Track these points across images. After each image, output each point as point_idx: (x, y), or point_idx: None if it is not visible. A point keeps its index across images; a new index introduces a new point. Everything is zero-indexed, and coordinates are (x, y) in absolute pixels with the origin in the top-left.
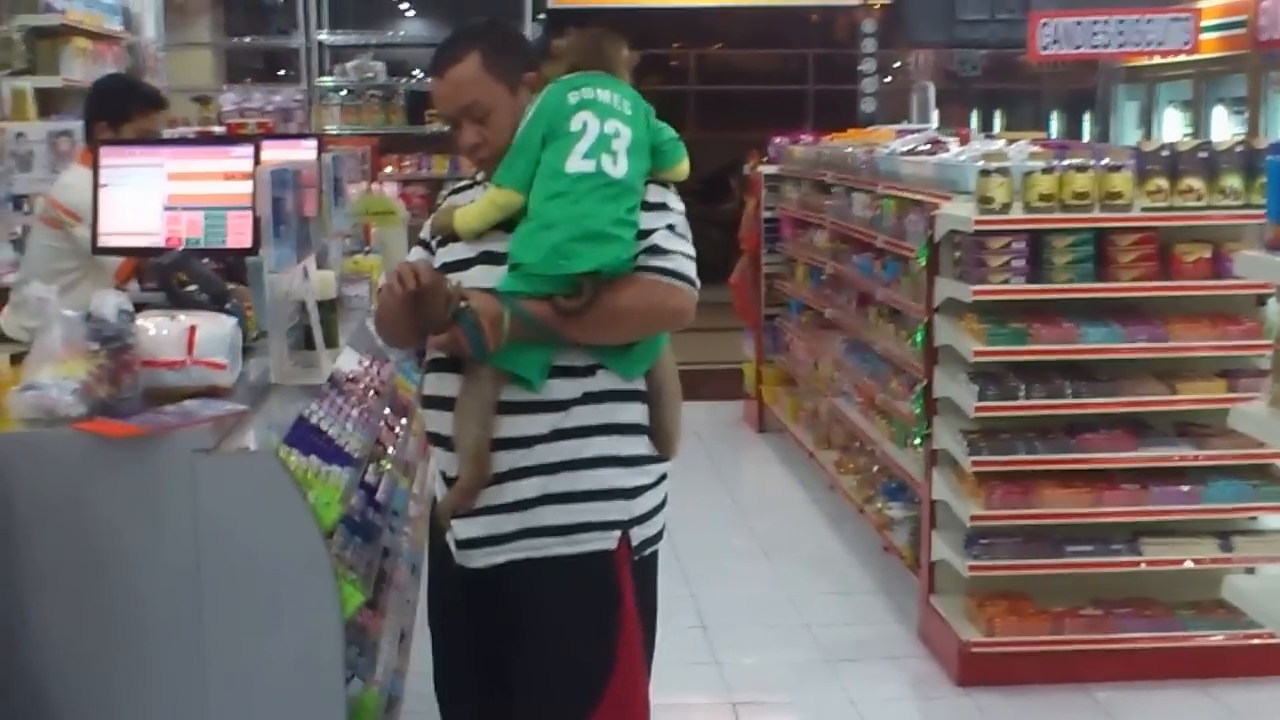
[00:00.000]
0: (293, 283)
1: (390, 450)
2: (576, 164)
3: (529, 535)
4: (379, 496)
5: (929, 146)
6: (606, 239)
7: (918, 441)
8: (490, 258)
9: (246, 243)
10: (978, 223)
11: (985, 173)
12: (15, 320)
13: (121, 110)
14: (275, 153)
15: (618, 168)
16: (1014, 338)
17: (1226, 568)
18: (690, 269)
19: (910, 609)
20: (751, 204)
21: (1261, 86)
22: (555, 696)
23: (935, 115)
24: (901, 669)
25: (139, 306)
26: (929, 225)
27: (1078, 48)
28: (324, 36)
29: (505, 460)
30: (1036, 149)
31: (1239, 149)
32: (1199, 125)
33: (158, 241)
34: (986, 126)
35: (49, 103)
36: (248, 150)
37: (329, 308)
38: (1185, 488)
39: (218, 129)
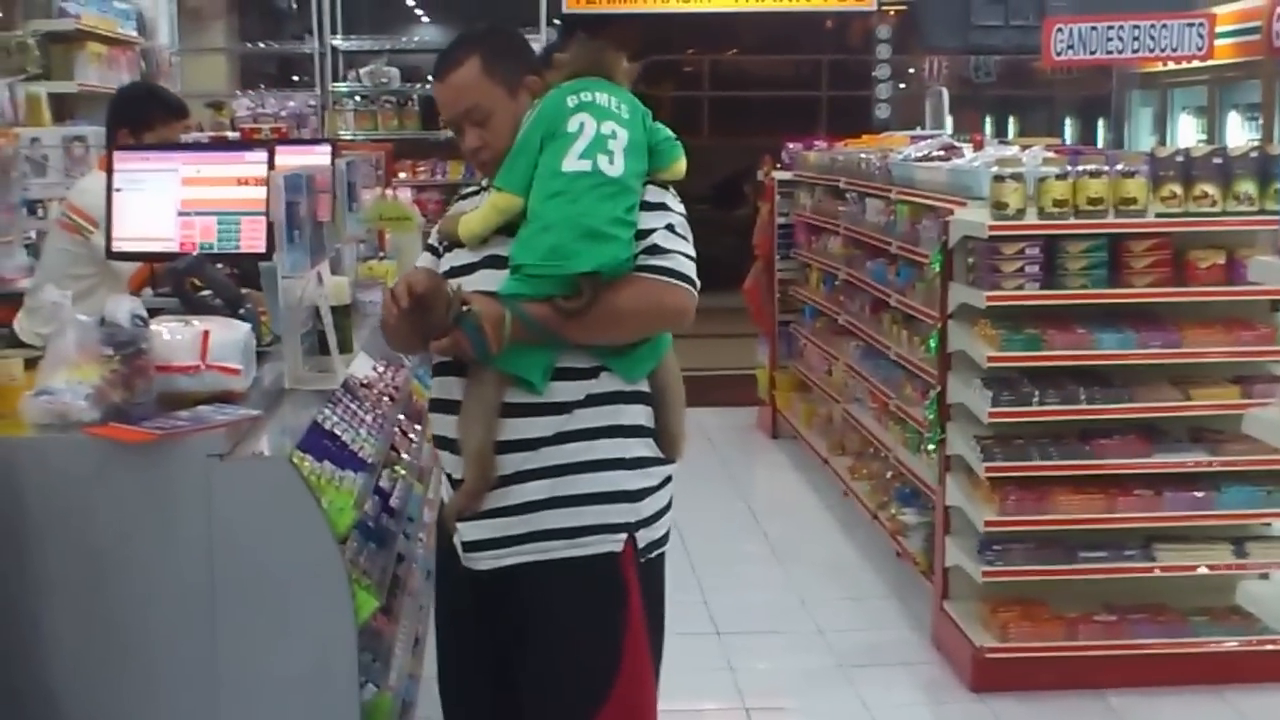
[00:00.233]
0: (307, 288)
1: (404, 456)
2: (573, 163)
3: (535, 538)
4: (393, 502)
5: (943, 152)
6: (604, 238)
7: (931, 447)
8: (494, 261)
9: (260, 248)
10: (992, 228)
11: (999, 178)
12: (29, 325)
13: (143, 118)
14: (289, 158)
15: (614, 167)
16: (1028, 343)
17: (1240, 573)
18: (690, 269)
19: (924, 615)
20: (765, 210)
21: (1276, 92)
22: (561, 698)
23: (949, 121)
24: (915, 675)
25: (153, 311)
26: (943, 231)
27: (1092, 53)
28: (338, 42)
29: (510, 463)
30: (1051, 155)
31: (1253, 155)
32: (1213, 131)
33: (172, 247)
34: (1001, 132)
35: (63, 108)
36: (261, 155)
37: (343, 313)
38: (1199, 493)
39: (232, 134)
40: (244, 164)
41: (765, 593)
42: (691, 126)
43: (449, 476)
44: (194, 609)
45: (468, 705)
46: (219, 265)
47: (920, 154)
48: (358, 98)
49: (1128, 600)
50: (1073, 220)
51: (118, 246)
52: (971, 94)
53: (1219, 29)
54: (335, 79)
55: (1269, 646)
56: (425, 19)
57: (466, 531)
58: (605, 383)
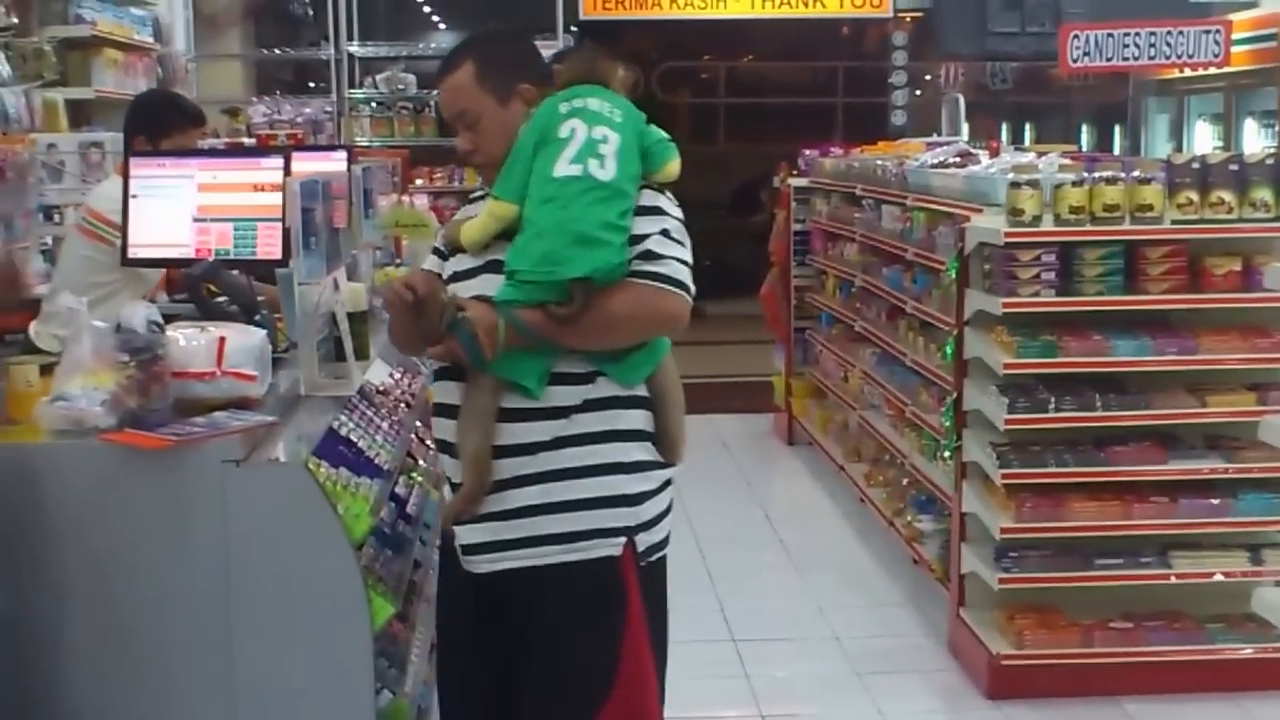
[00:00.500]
0: (323, 294)
1: (421, 462)
2: (564, 169)
3: (532, 543)
4: (410, 508)
5: (959, 159)
6: (596, 243)
7: (948, 454)
8: (495, 267)
9: (276, 254)
10: (1008, 235)
11: (1015, 185)
12: (46, 330)
13: (162, 126)
14: (305, 164)
15: (605, 171)
16: (1044, 350)
17: (1256, 581)
18: (684, 274)
19: (940, 622)
20: (781, 216)
21: None
22: (560, 700)
23: (965, 128)
24: (931, 682)
25: (169, 318)
26: (959, 238)
27: (1109, 60)
28: (354, 48)
29: (508, 467)
30: (1067, 161)
31: (1269, 161)
32: (1229, 138)
33: (187, 253)
34: (1017, 139)
35: (80, 114)
36: (278, 162)
37: (359, 319)
38: (1215, 500)
39: (248, 140)
40: (260, 170)
41: (781, 599)
42: (708, 133)
43: (449, 480)
44: (210, 615)
45: (467, 705)
46: (235, 271)
47: (936, 161)
48: (374, 104)
49: (1144, 607)
50: (1089, 227)
51: (134, 252)
52: (988, 100)
53: (1235, 36)
54: (351, 85)
55: None
56: (442, 25)
57: (464, 535)
58: (602, 388)
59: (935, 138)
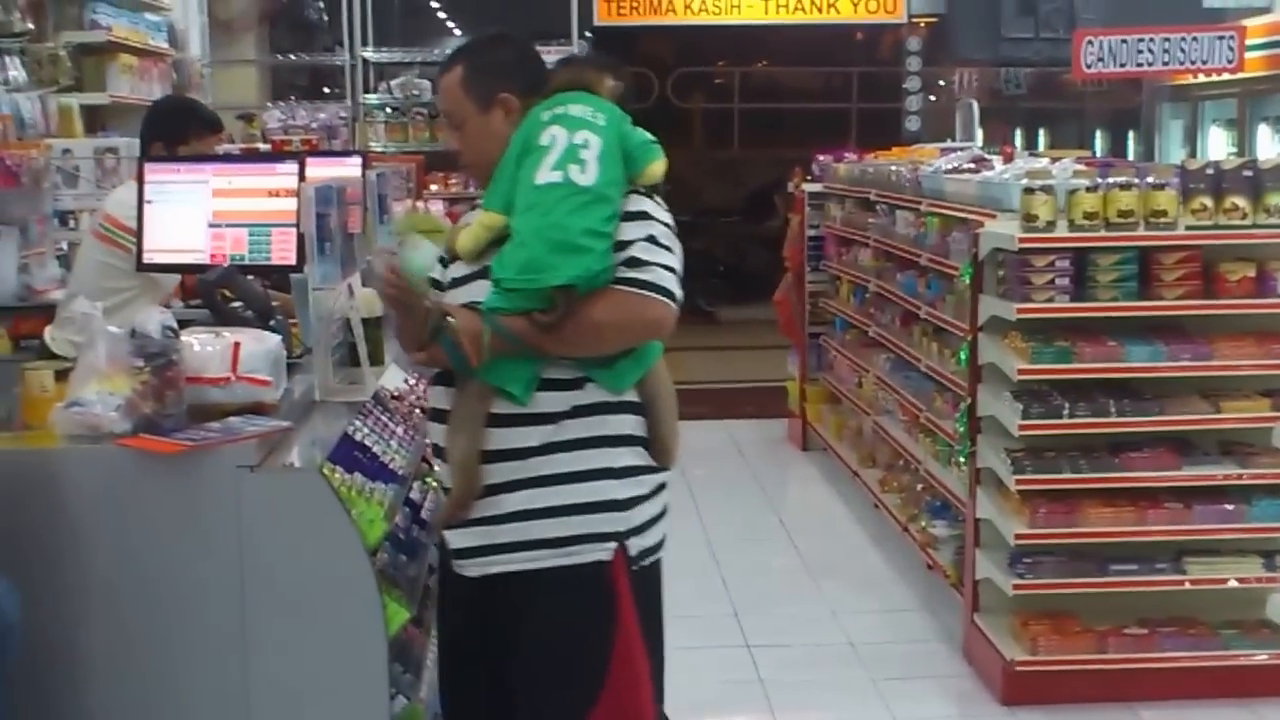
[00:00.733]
0: (338, 300)
1: (436, 468)
2: (545, 176)
3: (522, 547)
4: (424, 514)
5: (973, 164)
6: (578, 250)
7: (962, 460)
8: (488, 273)
9: (291, 259)
10: (1022, 241)
11: (1029, 191)
12: (61, 335)
13: (179, 132)
14: (320, 170)
15: (586, 176)
16: (1058, 356)
17: (1271, 587)
18: (669, 280)
19: (954, 627)
20: (796, 222)
21: None
22: (551, 701)
23: (979, 133)
24: (946, 688)
25: (183, 323)
26: (973, 243)
27: (1123, 66)
28: (369, 54)
29: (498, 472)
30: (1081, 167)
31: None
32: (1243, 144)
33: (202, 258)
34: (1031, 145)
35: (95, 119)
36: (292, 167)
37: (374, 325)
38: (1229, 507)
39: (262, 146)
40: (275, 176)
41: (795, 605)
42: (722, 138)
43: (440, 484)
44: (224, 620)
45: (465, 704)
46: (250, 276)
47: (950, 166)
48: (388, 110)
49: (1158, 613)
50: (1103, 233)
51: (149, 258)
52: (1002, 106)
53: (1249, 42)
54: (366, 91)
55: None
56: (457, 30)
57: (454, 539)
58: (591, 393)
59: (949, 143)
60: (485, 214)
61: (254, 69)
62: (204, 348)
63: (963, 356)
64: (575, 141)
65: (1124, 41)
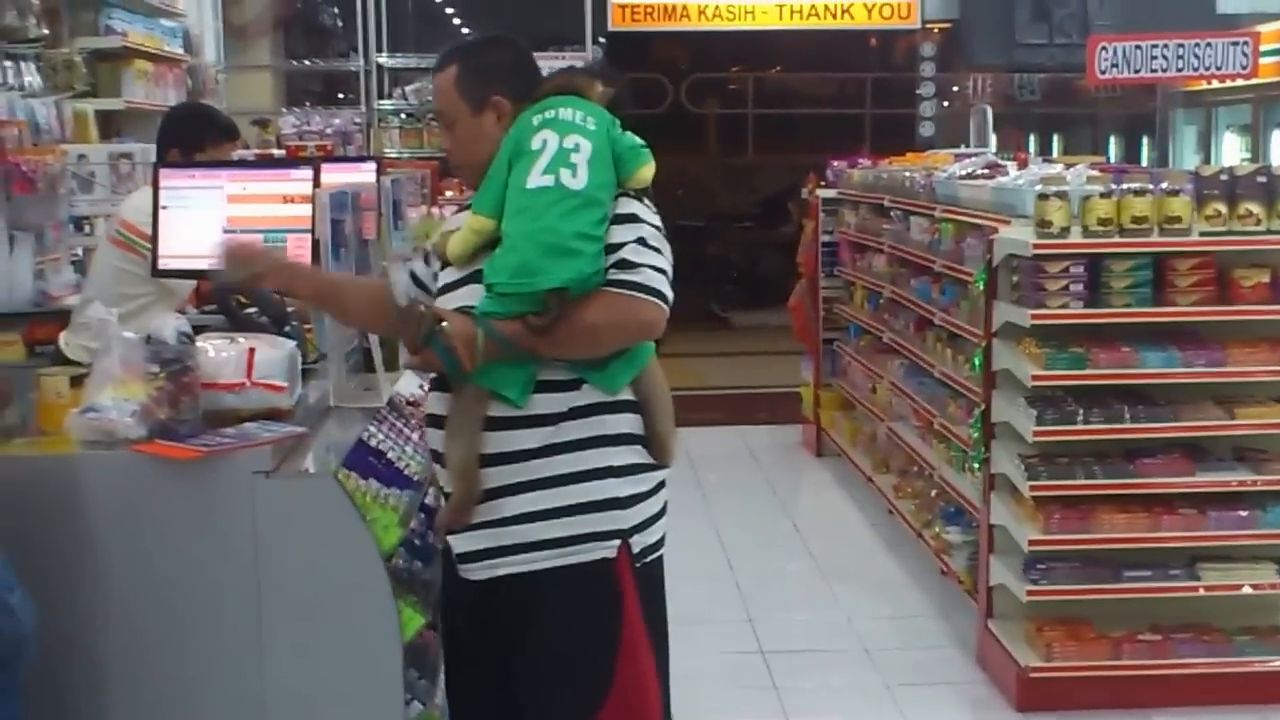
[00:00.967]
0: None
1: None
2: (536, 180)
3: (526, 549)
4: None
5: (987, 170)
6: (569, 253)
7: (976, 466)
8: (480, 278)
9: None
10: (1036, 247)
11: (1043, 197)
12: (76, 341)
13: (196, 139)
14: (334, 175)
15: (577, 180)
16: (1072, 362)
17: None
18: (659, 282)
19: (968, 634)
20: (809, 227)
21: None
22: (558, 701)
23: (993, 139)
24: (960, 694)
25: (198, 329)
26: (987, 249)
27: (1136, 72)
28: (383, 59)
29: (499, 475)
30: (1095, 173)
31: None
32: (1258, 149)
33: (217, 264)
34: (1044, 150)
35: (110, 125)
36: (307, 173)
37: None
38: (1243, 513)
39: (277, 152)
40: (289, 181)
41: (810, 611)
42: (736, 144)
43: (441, 489)
44: (239, 625)
45: (471, 706)
46: None
47: (964, 172)
48: (403, 115)
49: (1172, 620)
50: (1117, 239)
51: (164, 264)
52: (1016, 112)
53: (1263, 48)
54: (380, 96)
55: None
56: (471, 37)
57: (458, 544)
58: (587, 394)
59: (963, 149)
60: (474, 218)
61: (269, 74)
62: (219, 353)
63: (977, 362)
64: (566, 145)
65: (1138, 47)
